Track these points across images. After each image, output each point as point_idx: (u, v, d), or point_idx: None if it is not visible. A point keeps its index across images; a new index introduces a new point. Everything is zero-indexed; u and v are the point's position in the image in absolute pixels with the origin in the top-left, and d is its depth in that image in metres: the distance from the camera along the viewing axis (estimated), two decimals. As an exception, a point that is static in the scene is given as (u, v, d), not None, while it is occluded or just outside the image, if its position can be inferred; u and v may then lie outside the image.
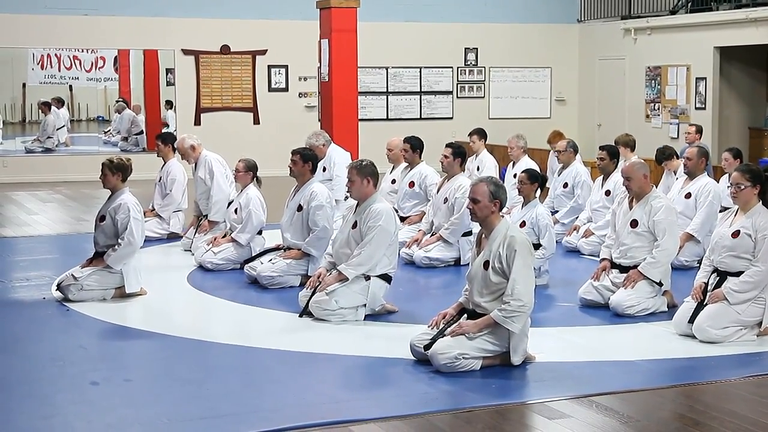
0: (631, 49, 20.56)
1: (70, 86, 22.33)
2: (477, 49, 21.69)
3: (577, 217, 11.69)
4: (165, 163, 12.17)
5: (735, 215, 7.59)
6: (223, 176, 11.34)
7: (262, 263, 9.49)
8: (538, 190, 9.78)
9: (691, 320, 7.44)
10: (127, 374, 6.83)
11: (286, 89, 20.55)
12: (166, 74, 21.12)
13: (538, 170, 10.57)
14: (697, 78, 18.96)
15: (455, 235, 10.35)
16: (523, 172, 9.78)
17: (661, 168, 12.11)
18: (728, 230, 7.51)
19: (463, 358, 6.60)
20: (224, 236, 10.43)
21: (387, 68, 21.16)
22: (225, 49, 20.00)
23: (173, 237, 11.96)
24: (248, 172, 10.31)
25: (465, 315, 6.89)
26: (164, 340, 7.65)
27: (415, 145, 11.47)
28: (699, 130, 13.89)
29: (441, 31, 21.21)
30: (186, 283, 9.72)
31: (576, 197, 11.94)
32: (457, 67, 21.66)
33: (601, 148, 11.31)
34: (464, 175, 10.75)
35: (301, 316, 8.18)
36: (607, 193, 11.08)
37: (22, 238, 12.37)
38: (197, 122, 19.87)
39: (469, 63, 21.74)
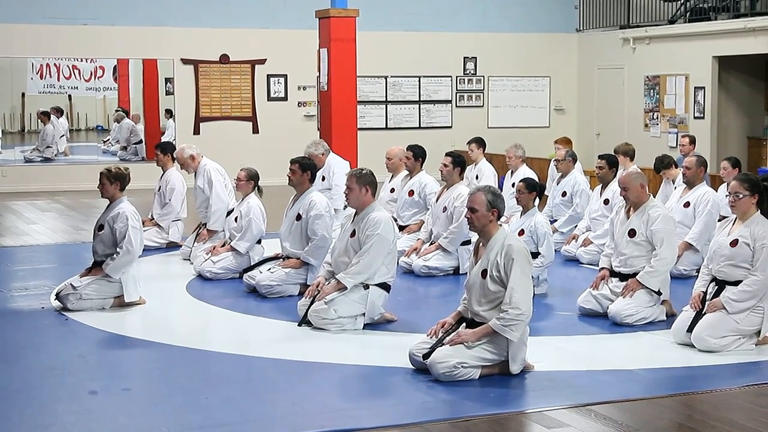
0: (629, 58, 20.59)
1: (70, 96, 22.33)
2: (476, 58, 21.72)
3: (575, 226, 11.70)
4: (164, 172, 12.18)
5: (733, 224, 7.59)
6: (222, 185, 11.35)
7: (261, 272, 9.49)
8: (537, 199, 9.79)
9: (690, 329, 7.44)
10: (125, 383, 6.83)
11: (285, 98, 20.57)
12: (165, 84, 21.14)
13: (537, 179, 10.58)
14: (695, 87, 18.98)
15: (454, 244, 10.36)
16: (520, 181, 9.79)
17: (659, 177, 12.12)
18: (727, 239, 7.52)
19: (462, 367, 6.60)
20: (223, 245, 10.44)
21: (386, 77, 21.18)
22: (224, 59, 20.03)
23: (172, 246, 11.96)
24: (250, 181, 10.33)
25: (464, 324, 6.89)
26: (163, 349, 7.65)
27: (417, 154, 11.49)
28: (693, 141, 13.92)
29: (440, 40, 21.25)
30: (185, 292, 9.72)
31: (575, 206, 11.95)
32: (456, 76, 21.69)
33: (600, 157, 11.32)
34: (463, 184, 10.75)
35: (300, 325, 8.18)
36: (606, 202, 11.08)
37: (21, 248, 12.37)
38: (196, 131, 19.89)
39: (468, 72, 21.77)
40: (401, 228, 11.25)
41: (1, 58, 19.81)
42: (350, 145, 14.38)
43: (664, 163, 12.00)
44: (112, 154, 22.00)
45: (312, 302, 8.15)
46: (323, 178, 11.90)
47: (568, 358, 7.38)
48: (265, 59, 20.27)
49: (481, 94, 21.88)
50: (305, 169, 9.44)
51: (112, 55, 20.50)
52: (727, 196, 7.96)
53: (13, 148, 21.57)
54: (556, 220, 12.02)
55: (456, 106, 21.73)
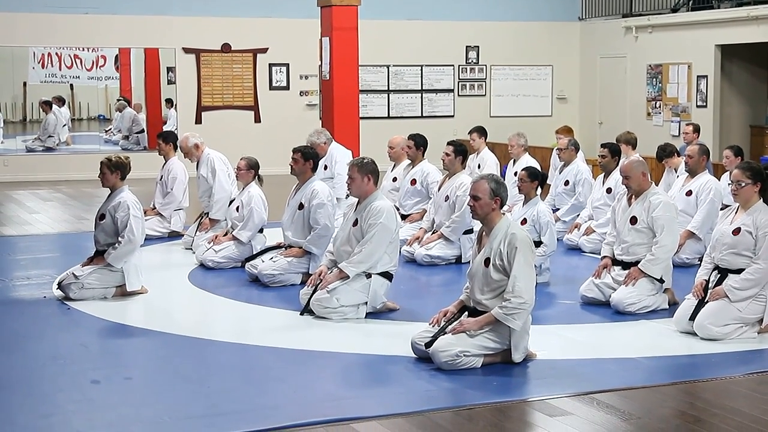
0: (632, 46, 20.55)
1: (71, 85, 22.33)
2: (478, 47, 21.68)
3: (578, 215, 11.70)
4: (166, 161, 12.18)
5: (736, 213, 7.59)
6: (225, 174, 11.35)
7: (263, 261, 9.49)
8: (539, 188, 9.78)
9: (692, 317, 7.44)
10: (127, 372, 6.84)
11: (287, 87, 20.55)
12: (167, 73, 21.12)
13: (539, 168, 10.57)
14: (698, 76, 18.96)
15: (456, 233, 10.35)
16: (523, 169, 9.78)
17: (662, 165, 12.11)
18: (729, 228, 7.51)
19: (464, 355, 6.60)
20: (225, 234, 10.43)
21: (388, 66, 21.16)
22: (226, 48, 20.01)
23: (174, 235, 11.97)
24: (250, 170, 10.32)
25: (466, 312, 6.89)
26: (165, 338, 7.65)
27: (419, 143, 11.48)
28: (696, 129, 13.90)
29: (442, 28, 21.21)
30: (187, 282, 9.73)
31: (577, 195, 11.94)
32: (459, 65, 21.66)
33: (603, 145, 11.30)
34: (465, 173, 10.75)
35: (302, 314, 8.18)
36: (609, 190, 11.07)
37: (23, 237, 12.38)
38: (198, 120, 19.88)
39: (470, 61, 21.73)
40: (403, 217, 11.26)
41: (3, 48, 19.80)
42: (352, 135, 14.36)
43: (666, 152, 11.98)
44: (114, 143, 21.99)
45: (314, 291, 8.15)
46: (325, 167, 11.90)
47: (570, 347, 7.38)
48: (267, 48, 20.24)
49: (484, 83, 21.85)
50: (307, 158, 9.43)
51: (114, 44, 20.51)
52: (729, 184, 7.96)
53: (15, 138, 21.57)
54: (558, 209, 12.01)
55: (458, 95, 21.71)
